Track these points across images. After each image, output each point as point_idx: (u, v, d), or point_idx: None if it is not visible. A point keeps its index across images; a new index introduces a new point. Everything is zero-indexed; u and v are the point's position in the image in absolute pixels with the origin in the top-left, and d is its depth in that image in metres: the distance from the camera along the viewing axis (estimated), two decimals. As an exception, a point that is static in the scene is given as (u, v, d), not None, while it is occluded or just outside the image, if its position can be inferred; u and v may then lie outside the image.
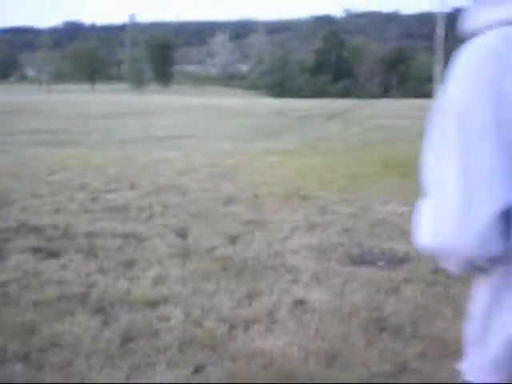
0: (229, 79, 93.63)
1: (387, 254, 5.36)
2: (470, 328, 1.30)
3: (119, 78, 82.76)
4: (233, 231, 6.10)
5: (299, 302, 4.23)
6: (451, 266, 1.26)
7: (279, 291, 4.43)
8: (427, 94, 44.97)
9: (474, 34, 1.25)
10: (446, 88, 1.23)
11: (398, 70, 76.83)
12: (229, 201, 7.60)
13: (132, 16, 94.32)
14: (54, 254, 5.27)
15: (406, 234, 5.29)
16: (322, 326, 3.85)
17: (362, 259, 5.26)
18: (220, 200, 7.64)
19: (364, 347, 3.56)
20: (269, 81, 75.65)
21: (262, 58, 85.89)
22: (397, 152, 12.29)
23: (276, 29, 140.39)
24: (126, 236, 5.86)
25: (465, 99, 1.17)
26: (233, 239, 5.82)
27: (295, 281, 4.68)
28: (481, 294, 1.26)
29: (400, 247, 5.46)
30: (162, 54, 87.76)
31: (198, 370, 3.29)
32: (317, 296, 4.33)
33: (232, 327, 3.81)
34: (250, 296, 4.34)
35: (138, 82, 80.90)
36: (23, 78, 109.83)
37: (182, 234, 6.00)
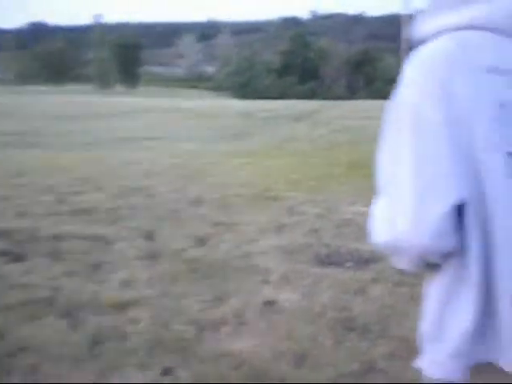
0: (196, 80, 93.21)
1: (354, 255, 5.40)
2: (426, 325, 1.33)
3: (87, 79, 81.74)
4: (201, 233, 6.09)
5: (268, 303, 4.24)
6: (405, 264, 1.30)
7: (248, 292, 4.44)
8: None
9: (425, 39, 1.30)
10: (400, 90, 1.27)
11: (364, 71, 77.21)
12: (197, 202, 7.59)
13: (98, 16, 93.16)
14: (19, 258, 5.21)
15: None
16: (291, 326, 3.87)
17: (329, 260, 5.29)
18: (188, 202, 7.62)
19: (332, 347, 3.59)
20: (235, 82, 75.43)
21: (229, 59, 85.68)
22: (363, 153, 12.35)
23: (243, 30, 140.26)
24: (93, 238, 5.82)
25: (418, 101, 1.22)
26: (201, 241, 5.81)
27: (264, 282, 4.69)
28: (434, 290, 1.30)
29: (367, 247, 5.48)
30: (128, 55, 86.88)
31: (166, 372, 3.29)
32: (286, 297, 4.35)
33: (201, 329, 3.81)
34: (219, 298, 4.34)
35: (104, 83, 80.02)
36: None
37: (150, 236, 5.98)
